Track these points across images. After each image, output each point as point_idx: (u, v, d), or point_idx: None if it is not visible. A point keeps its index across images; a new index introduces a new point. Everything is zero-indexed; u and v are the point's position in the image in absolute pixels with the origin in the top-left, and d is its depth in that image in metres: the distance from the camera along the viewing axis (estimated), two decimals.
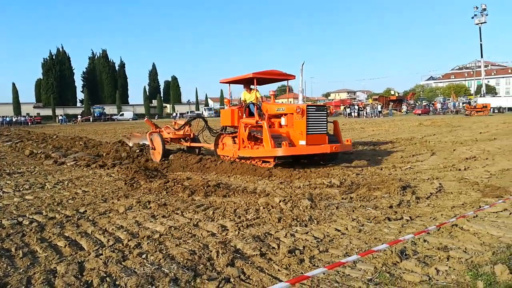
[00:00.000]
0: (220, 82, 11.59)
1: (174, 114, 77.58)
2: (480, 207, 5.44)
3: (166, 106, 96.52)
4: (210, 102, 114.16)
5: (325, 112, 9.54)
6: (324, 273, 3.46)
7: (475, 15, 65.95)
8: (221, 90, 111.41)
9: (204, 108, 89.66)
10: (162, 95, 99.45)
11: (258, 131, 9.39)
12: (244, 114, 10.44)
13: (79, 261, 3.87)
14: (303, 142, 8.92)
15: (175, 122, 13.48)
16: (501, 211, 5.37)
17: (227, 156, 10.41)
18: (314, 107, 9.34)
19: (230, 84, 11.54)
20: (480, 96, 60.37)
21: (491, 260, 3.66)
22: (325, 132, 9.33)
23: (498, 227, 4.72)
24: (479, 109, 45.18)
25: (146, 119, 14.58)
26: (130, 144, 13.97)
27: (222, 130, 11.25)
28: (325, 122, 9.38)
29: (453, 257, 3.81)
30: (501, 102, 52.66)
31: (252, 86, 11.27)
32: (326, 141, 9.21)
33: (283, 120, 9.79)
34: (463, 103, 61.41)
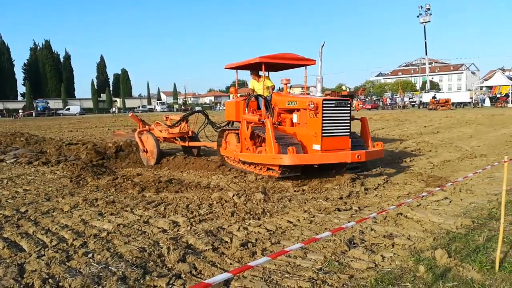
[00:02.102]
0: (225, 68, 9.54)
1: (114, 110, 73.41)
2: (422, 196, 5.73)
3: (116, 100, 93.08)
4: (163, 96, 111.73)
5: (348, 108, 7.21)
6: (270, 263, 3.50)
7: (420, 14, 69.34)
8: (174, 84, 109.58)
9: (157, 103, 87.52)
10: (111, 88, 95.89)
11: (262, 130, 7.52)
12: (245, 109, 8.48)
13: (19, 263, 3.65)
14: (317, 147, 7.01)
15: (167, 118, 11.76)
16: (442, 200, 5.71)
17: (230, 158, 8.85)
18: (333, 102, 7.10)
19: (238, 71, 9.57)
20: (425, 92, 63.74)
21: (432, 246, 3.87)
22: (348, 133, 7.19)
23: (439, 214, 5.00)
24: (443, 103, 47.33)
25: (131, 114, 11.61)
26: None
27: (227, 126, 9.27)
28: (348, 121, 7.21)
29: (397, 244, 3.99)
30: (461, 97, 55.00)
31: (261, 73, 9.11)
32: (348, 146, 7.17)
33: (295, 117, 7.77)
34: (409, 98, 64.57)
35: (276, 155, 6.84)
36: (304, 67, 8.92)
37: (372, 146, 7.78)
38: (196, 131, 10.76)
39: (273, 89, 8.98)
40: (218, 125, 9.99)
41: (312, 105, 6.99)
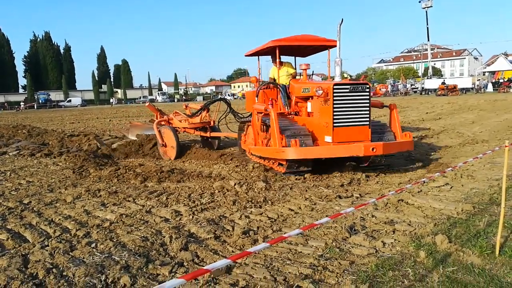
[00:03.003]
0: (245, 56, 8.93)
1: (112, 100, 72.93)
2: (423, 182, 5.74)
3: (117, 91, 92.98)
4: (164, 86, 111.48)
5: (366, 94, 6.41)
6: (271, 250, 3.53)
7: None
8: (175, 74, 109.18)
9: (158, 93, 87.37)
10: (112, 79, 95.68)
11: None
12: (256, 98, 7.97)
13: (23, 253, 3.68)
14: (329, 139, 6.34)
15: (186, 106, 11.12)
16: (443, 185, 5.71)
17: (247, 152, 8.27)
18: (347, 87, 6.34)
19: (259, 57, 8.86)
20: (427, 78, 63.37)
21: (433, 231, 3.89)
22: (367, 123, 6.38)
23: (440, 200, 5.01)
24: (452, 89, 46.79)
25: (148, 103, 11.13)
26: (131, 137, 11.14)
27: (250, 117, 8.28)
28: (366, 109, 6.39)
29: (398, 230, 4.00)
30: (463, 83, 54.38)
31: (283, 59, 8.35)
32: (367, 137, 6.38)
33: (309, 106, 7.12)
34: (411, 85, 64.21)
35: (279, 148, 6.36)
36: (327, 50, 7.98)
37: (400, 137, 6.84)
38: (217, 121, 9.93)
39: (294, 76, 8.10)
40: (240, 115, 9.19)
41: (321, 91, 6.32)
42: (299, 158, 6.38)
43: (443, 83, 49.39)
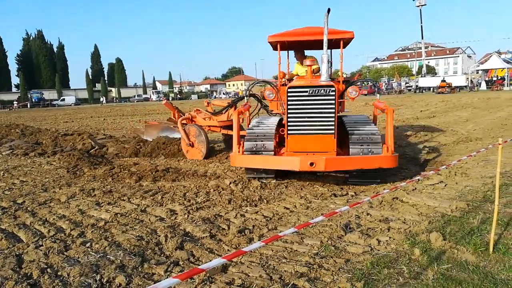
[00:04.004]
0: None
1: (102, 100, 72.07)
2: (418, 180, 5.77)
3: (111, 90, 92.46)
4: (158, 85, 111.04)
5: (331, 98, 5.52)
6: (267, 248, 3.54)
7: None
8: (169, 73, 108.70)
9: (152, 92, 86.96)
10: (106, 78, 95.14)
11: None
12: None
13: (17, 253, 3.66)
14: (292, 147, 5.78)
15: (208, 103, 10.41)
16: (437, 183, 5.75)
17: None
18: (305, 90, 5.59)
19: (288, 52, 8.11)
20: (422, 76, 63.63)
21: (427, 229, 3.91)
22: (331, 132, 5.57)
23: (434, 198, 5.04)
24: (451, 87, 46.99)
25: (165, 101, 10.18)
26: (146, 138, 10.40)
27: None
28: (331, 115, 5.53)
29: (393, 228, 4.03)
30: (457, 81, 54.53)
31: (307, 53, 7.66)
32: (332, 148, 5.62)
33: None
34: (405, 83, 64.48)
35: (234, 154, 6.05)
36: (340, 41, 6.79)
37: (386, 150, 5.65)
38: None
39: (315, 72, 7.08)
40: (273, 112, 8.34)
41: (272, 95, 6.07)
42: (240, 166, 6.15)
43: (443, 80, 49.51)
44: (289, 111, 5.65)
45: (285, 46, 7.55)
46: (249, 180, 6.18)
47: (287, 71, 7.96)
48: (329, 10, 5.70)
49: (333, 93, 5.51)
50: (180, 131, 8.67)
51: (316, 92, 5.55)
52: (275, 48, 7.38)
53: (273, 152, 5.88)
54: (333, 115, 5.54)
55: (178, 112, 9.85)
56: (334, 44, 7.16)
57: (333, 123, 5.55)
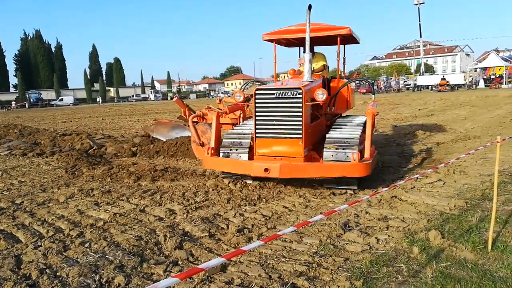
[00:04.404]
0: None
1: (98, 99, 70.61)
2: (416, 178, 5.78)
3: (109, 90, 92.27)
4: (156, 84, 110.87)
5: (298, 101, 5.33)
6: (266, 247, 3.54)
7: None
8: (168, 72, 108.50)
9: (151, 91, 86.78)
10: (104, 78, 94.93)
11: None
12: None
13: (16, 254, 3.65)
14: (260, 150, 5.66)
15: (220, 101, 9.94)
16: (436, 181, 5.76)
17: None
18: (273, 92, 5.48)
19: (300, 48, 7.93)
20: (420, 75, 63.68)
21: (426, 227, 3.92)
22: (298, 136, 5.37)
23: (433, 196, 5.05)
24: (451, 85, 47.08)
25: (176, 98, 9.99)
26: (156, 136, 10.18)
27: None
28: (298, 118, 5.35)
29: (392, 226, 4.03)
30: (455, 79, 54.58)
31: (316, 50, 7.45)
32: (299, 153, 5.38)
33: None
34: (404, 82, 64.53)
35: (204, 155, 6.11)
36: (337, 37, 6.63)
37: (353, 157, 5.17)
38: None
39: (321, 70, 7.13)
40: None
41: (240, 97, 6.03)
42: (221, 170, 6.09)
43: (443, 78, 49.52)
44: (257, 114, 5.60)
45: (282, 44, 7.51)
46: (248, 179, 6.14)
47: (293, 69, 7.68)
48: (310, 7, 5.64)
49: (300, 96, 5.31)
50: (190, 129, 8.24)
51: (283, 94, 5.43)
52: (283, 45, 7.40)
53: (247, 155, 5.76)
54: (300, 118, 5.34)
55: (189, 109, 9.58)
56: (330, 40, 7.09)
57: (300, 126, 5.34)
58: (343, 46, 7.47)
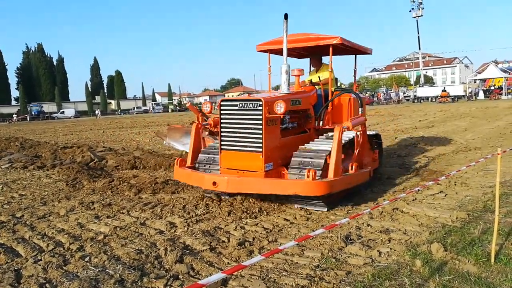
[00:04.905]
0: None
1: (97, 112, 69.19)
2: (417, 190, 5.77)
3: (110, 102, 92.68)
4: (157, 97, 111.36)
5: (258, 113, 5.12)
6: (267, 261, 3.51)
7: (412, 8, 69.51)
8: (169, 84, 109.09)
9: (152, 104, 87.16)
10: (105, 90, 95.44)
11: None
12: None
13: (16, 268, 3.63)
14: (225, 163, 5.53)
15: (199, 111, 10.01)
16: (437, 193, 5.74)
17: None
18: (236, 103, 5.36)
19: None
20: (419, 86, 63.98)
21: (428, 240, 3.89)
22: (259, 149, 5.13)
23: (435, 208, 5.03)
24: (452, 97, 47.60)
25: (189, 104, 9.67)
26: (169, 142, 10.05)
27: None
28: (258, 131, 5.12)
29: (394, 239, 4.01)
30: (455, 91, 54.79)
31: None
32: (260, 167, 5.12)
33: None
34: (403, 93, 64.84)
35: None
36: (330, 47, 6.27)
37: (307, 175, 4.80)
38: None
39: (325, 82, 6.73)
40: None
41: (207, 108, 6.01)
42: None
43: (444, 90, 49.83)
44: (221, 126, 5.49)
45: (277, 54, 7.31)
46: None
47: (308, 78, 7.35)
48: (286, 16, 5.57)
49: (261, 108, 5.08)
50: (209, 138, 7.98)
51: (245, 106, 5.26)
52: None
53: (218, 172, 5.63)
54: (260, 131, 5.10)
55: (202, 116, 9.59)
56: (322, 51, 6.92)
57: (260, 140, 5.10)
58: (354, 56, 7.35)
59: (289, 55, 7.51)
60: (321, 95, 6.55)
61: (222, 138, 5.48)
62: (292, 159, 5.25)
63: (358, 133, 5.91)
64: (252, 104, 5.19)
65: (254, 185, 5.12)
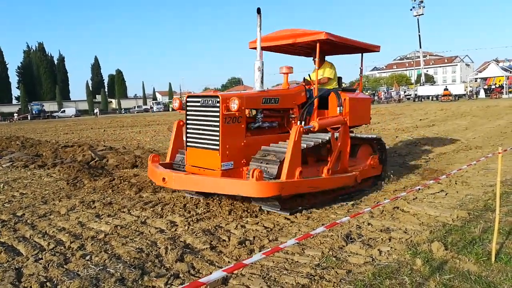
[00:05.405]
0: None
1: (96, 111, 68.89)
2: (418, 189, 5.76)
3: (111, 101, 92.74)
4: (158, 96, 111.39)
5: (215, 110, 5.00)
6: (268, 260, 3.52)
7: (413, 7, 69.46)
8: (170, 83, 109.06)
9: (153, 103, 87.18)
10: (106, 89, 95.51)
11: None
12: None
13: (16, 267, 3.64)
14: (190, 161, 5.51)
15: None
16: (438, 192, 5.74)
17: None
18: (198, 100, 5.27)
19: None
20: (420, 85, 63.96)
21: (429, 239, 3.89)
22: (216, 147, 5.02)
23: (435, 207, 5.03)
24: (455, 95, 47.70)
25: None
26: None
27: None
28: (216, 128, 5.02)
29: (394, 238, 4.01)
30: (456, 89, 54.73)
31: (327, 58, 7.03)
32: (217, 165, 5.00)
33: None
34: (404, 92, 64.82)
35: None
36: (316, 43, 5.94)
37: (252, 175, 4.55)
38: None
39: (323, 82, 6.57)
40: None
41: (176, 104, 5.84)
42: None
43: (446, 88, 49.85)
44: (187, 122, 5.45)
45: (269, 51, 7.12)
46: None
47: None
48: (259, 10, 5.42)
49: (218, 104, 4.96)
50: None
51: (205, 103, 5.17)
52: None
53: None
54: (217, 129, 4.99)
55: None
56: (311, 47, 6.49)
57: (217, 137, 5.00)
58: (360, 54, 7.08)
59: (291, 52, 7.42)
60: (313, 95, 6.21)
61: (187, 135, 5.44)
62: (252, 158, 5.11)
63: (336, 134, 5.55)
64: (211, 101, 5.08)
65: (199, 183, 5.06)
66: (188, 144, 5.43)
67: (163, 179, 5.14)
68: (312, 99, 6.05)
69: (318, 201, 5.42)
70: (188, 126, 5.43)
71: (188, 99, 5.44)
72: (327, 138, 5.47)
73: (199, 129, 5.27)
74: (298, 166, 4.86)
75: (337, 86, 6.67)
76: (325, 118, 5.71)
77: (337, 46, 6.50)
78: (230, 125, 5.03)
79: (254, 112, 5.62)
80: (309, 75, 6.52)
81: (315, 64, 6.50)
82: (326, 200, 5.52)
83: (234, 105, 4.81)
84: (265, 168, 4.85)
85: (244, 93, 5.50)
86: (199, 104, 5.26)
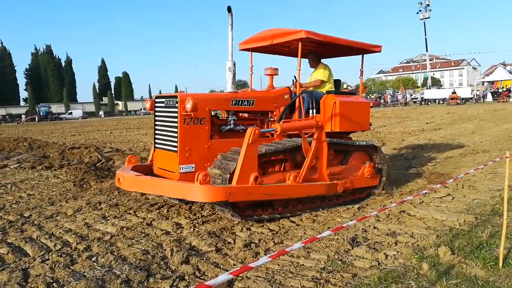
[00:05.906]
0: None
1: (100, 113, 68.43)
2: (425, 193, 5.73)
3: (117, 104, 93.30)
4: None
5: (175, 111, 4.88)
6: (273, 263, 3.51)
7: (420, 10, 69.36)
8: (176, 86, 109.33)
9: None
10: (113, 92, 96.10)
11: None
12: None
13: (23, 268, 3.66)
14: (156, 163, 5.45)
15: None
16: (445, 196, 5.70)
17: None
18: (163, 100, 5.18)
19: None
20: (427, 88, 63.74)
21: (435, 243, 3.87)
22: (174, 149, 4.91)
23: (442, 211, 5.00)
24: (462, 99, 47.55)
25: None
26: None
27: None
28: (175, 129, 4.89)
29: (400, 242, 3.98)
30: (463, 93, 54.37)
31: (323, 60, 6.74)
32: (175, 167, 4.86)
33: None
34: (411, 95, 64.58)
35: None
36: (299, 42, 5.55)
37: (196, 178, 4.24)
38: None
39: (319, 83, 6.27)
40: None
41: (148, 104, 5.66)
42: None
43: (454, 92, 49.57)
44: (155, 122, 5.38)
45: (259, 52, 6.95)
46: None
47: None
48: (229, 9, 5.24)
49: (176, 104, 4.80)
50: None
51: (168, 103, 5.05)
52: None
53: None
54: (176, 130, 4.84)
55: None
56: (293, 48, 6.21)
57: (175, 139, 4.85)
58: (361, 56, 6.78)
59: (285, 54, 7.04)
60: (302, 98, 5.81)
61: (155, 136, 5.35)
62: (214, 161, 4.91)
63: (311, 139, 5.13)
64: (172, 101, 4.94)
65: (147, 185, 4.86)
66: (155, 145, 5.35)
67: (118, 179, 5.10)
68: (289, 103, 5.69)
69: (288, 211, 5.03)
70: (155, 127, 5.37)
71: (156, 100, 5.32)
72: (295, 144, 5.09)
73: (163, 130, 5.17)
74: (253, 172, 4.49)
75: (333, 89, 6.39)
76: (292, 121, 5.32)
77: (333, 48, 6.28)
78: (190, 126, 4.84)
79: (226, 114, 5.48)
80: (294, 76, 6.09)
81: (310, 65, 6.46)
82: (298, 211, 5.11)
83: (188, 105, 4.64)
84: (221, 173, 4.63)
85: (204, 94, 5.39)
86: (163, 104, 5.15)
